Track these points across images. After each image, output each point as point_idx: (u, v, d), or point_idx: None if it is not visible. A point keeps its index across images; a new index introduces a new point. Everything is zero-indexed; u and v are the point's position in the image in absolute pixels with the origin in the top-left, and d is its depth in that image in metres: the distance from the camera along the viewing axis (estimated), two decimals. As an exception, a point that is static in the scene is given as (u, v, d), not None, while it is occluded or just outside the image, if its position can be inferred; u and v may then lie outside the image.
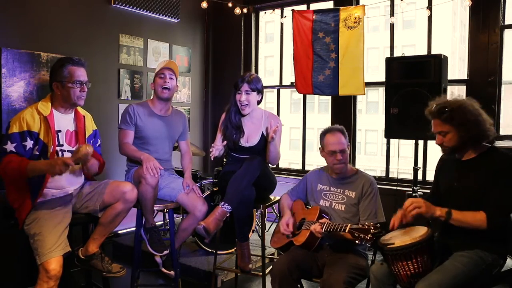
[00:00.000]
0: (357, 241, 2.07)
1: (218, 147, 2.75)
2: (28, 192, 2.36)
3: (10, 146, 2.31)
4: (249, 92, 2.86)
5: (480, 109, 2.08)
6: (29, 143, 2.36)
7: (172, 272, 2.88)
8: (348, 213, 2.48)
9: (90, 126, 2.71)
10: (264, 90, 3.06)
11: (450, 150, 2.13)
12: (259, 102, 2.99)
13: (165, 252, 2.79)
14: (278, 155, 2.91)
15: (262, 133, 2.93)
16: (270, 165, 2.99)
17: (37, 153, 2.39)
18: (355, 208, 2.48)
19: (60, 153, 2.48)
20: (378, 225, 2.08)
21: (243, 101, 2.86)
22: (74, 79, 2.45)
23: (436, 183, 2.35)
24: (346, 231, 2.15)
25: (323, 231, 2.29)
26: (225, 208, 2.62)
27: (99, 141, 2.78)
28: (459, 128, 2.04)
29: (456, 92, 2.47)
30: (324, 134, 2.58)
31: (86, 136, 2.64)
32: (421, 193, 3.50)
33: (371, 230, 2.03)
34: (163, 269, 2.91)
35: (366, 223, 2.10)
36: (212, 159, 2.73)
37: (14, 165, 2.25)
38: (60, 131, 2.50)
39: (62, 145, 2.50)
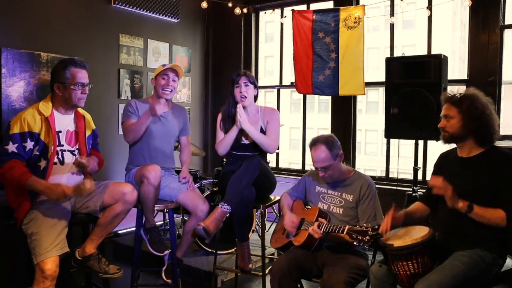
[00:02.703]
0: (355, 243, 2.07)
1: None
2: (27, 192, 2.37)
3: (12, 147, 2.32)
4: (248, 84, 2.90)
5: (492, 108, 2.08)
6: (29, 144, 2.37)
7: (169, 281, 2.87)
8: (346, 216, 2.47)
9: (90, 125, 2.73)
10: (264, 90, 3.08)
11: (449, 136, 2.12)
12: (255, 98, 3.01)
13: (166, 252, 2.79)
14: (266, 141, 2.87)
15: (261, 127, 2.95)
16: (269, 153, 2.98)
17: (37, 153, 2.40)
18: (353, 211, 2.46)
19: (60, 152, 2.49)
20: (376, 227, 2.07)
21: (243, 92, 2.88)
22: (76, 81, 2.46)
23: None
24: (344, 232, 2.15)
25: (321, 232, 2.29)
26: (224, 208, 2.62)
27: (97, 139, 2.80)
28: (464, 114, 2.03)
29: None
30: (310, 146, 2.50)
31: (86, 136, 2.65)
32: (421, 193, 3.50)
33: (369, 232, 2.03)
34: (163, 275, 2.89)
35: (364, 225, 2.09)
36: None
37: (15, 174, 2.26)
38: (60, 131, 2.51)
39: (63, 145, 2.52)
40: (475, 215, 1.97)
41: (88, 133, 2.68)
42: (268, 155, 3.12)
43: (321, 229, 2.29)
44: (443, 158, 2.31)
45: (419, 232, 2.05)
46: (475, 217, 1.97)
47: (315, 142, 2.47)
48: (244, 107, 2.91)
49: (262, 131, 2.95)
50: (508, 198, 1.97)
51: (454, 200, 1.97)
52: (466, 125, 2.04)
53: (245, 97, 2.89)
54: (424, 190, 2.57)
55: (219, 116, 3.03)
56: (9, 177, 2.28)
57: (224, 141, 2.90)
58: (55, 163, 2.47)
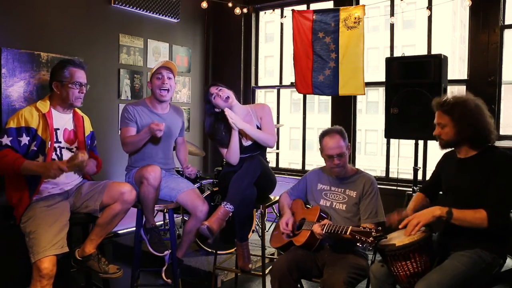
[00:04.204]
0: (358, 244, 2.07)
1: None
2: (26, 188, 2.39)
3: (5, 140, 2.36)
4: (220, 89, 2.88)
5: (486, 111, 2.07)
6: (25, 139, 2.40)
7: (169, 281, 2.88)
8: (349, 212, 2.48)
9: (88, 127, 2.76)
10: (264, 90, 3.08)
11: (445, 143, 2.14)
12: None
13: (166, 252, 2.79)
14: (264, 136, 2.88)
15: (257, 126, 2.95)
16: (269, 147, 3.00)
17: (35, 148, 2.43)
18: (355, 207, 2.48)
19: (58, 149, 2.52)
20: (380, 228, 2.07)
21: (223, 96, 2.84)
22: (74, 80, 2.51)
23: (435, 176, 2.35)
24: (348, 233, 2.14)
25: (323, 232, 2.28)
26: (227, 207, 2.62)
27: (95, 141, 2.84)
28: (456, 122, 2.05)
29: (456, 92, 2.47)
30: (322, 136, 2.56)
31: (85, 136, 2.67)
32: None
33: (373, 233, 2.02)
34: (163, 275, 2.89)
35: (368, 226, 2.09)
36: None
37: (9, 161, 2.29)
38: (58, 129, 2.54)
39: (60, 142, 2.54)
40: (456, 220, 1.96)
41: (86, 133, 2.70)
42: (268, 155, 3.11)
43: (323, 230, 2.28)
44: (446, 158, 2.32)
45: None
46: (456, 222, 1.97)
47: (328, 132, 2.54)
48: (231, 108, 2.89)
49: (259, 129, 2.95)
50: (494, 197, 1.96)
51: (430, 216, 1.97)
52: (460, 131, 2.05)
53: (228, 97, 2.86)
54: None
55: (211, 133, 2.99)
56: (3, 165, 2.29)
57: (231, 150, 2.87)
58: (53, 159, 2.48)
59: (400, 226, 2.07)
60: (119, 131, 2.95)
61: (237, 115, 2.89)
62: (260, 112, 2.98)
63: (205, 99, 2.93)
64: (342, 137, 2.51)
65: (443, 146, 2.18)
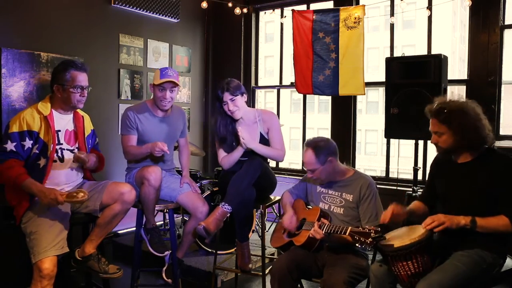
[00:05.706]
0: (357, 244, 2.06)
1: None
2: None
3: (10, 146, 2.35)
4: (233, 99, 2.82)
5: (481, 113, 2.05)
6: (28, 143, 2.39)
7: (169, 281, 2.88)
8: (347, 216, 2.46)
9: (89, 126, 2.76)
10: (264, 90, 3.06)
11: (444, 151, 2.12)
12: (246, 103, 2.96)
13: (166, 252, 2.79)
14: (274, 153, 2.88)
15: (261, 133, 2.92)
16: (279, 162, 3.00)
17: (37, 151, 2.42)
18: (353, 211, 2.46)
19: (59, 151, 2.51)
20: (379, 228, 2.06)
21: (232, 109, 2.82)
22: (75, 83, 2.49)
23: (430, 185, 2.32)
24: (347, 233, 2.14)
25: (323, 232, 2.28)
26: (225, 208, 2.62)
27: (96, 139, 2.84)
28: (455, 131, 2.02)
29: (456, 92, 2.47)
30: (304, 145, 2.56)
31: (85, 136, 2.67)
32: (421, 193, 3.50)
33: (372, 234, 2.02)
34: (163, 275, 2.89)
35: (367, 227, 2.09)
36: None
37: (12, 174, 2.30)
38: (59, 130, 2.53)
39: (62, 144, 2.54)
40: (480, 228, 1.96)
41: (87, 133, 2.70)
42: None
43: (323, 230, 2.28)
44: (438, 163, 2.28)
45: (417, 232, 2.05)
46: (481, 230, 1.96)
47: (306, 145, 2.54)
48: (238, 119, 2.87)
49: (263, 138, 2.91)
50: (508, 201, 1.96)
51: (455, 223, 1.96)
52: (460, 139, 2.03)
53: (237, 109, 2.83)
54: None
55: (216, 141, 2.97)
56: (6, 177, 2.31)
57: (230, 159, 2.86)
58: (55, 161, 2.49)
59: (423, 225, 2.01)
60: (120, 136, 2.94)
61: (246, 121, 2.88)
62: (269, 122, 2.92)
63: (217, 95, 2.86)
64: (315, 152, 2.44)
65: (442, 153, 2.16)
